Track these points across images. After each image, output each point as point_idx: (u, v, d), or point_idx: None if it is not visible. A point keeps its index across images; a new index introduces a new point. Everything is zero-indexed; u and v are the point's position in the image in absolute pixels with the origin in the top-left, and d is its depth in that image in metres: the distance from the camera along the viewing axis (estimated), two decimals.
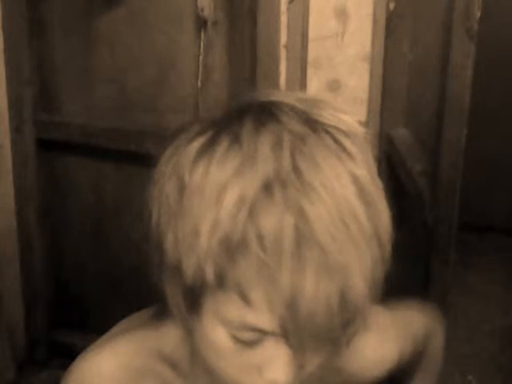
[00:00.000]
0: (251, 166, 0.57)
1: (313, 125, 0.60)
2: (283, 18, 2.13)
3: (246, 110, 0.62)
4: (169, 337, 0.75)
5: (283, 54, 2.16)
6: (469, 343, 2.61)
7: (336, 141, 0.60)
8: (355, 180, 0.59)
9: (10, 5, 2.11)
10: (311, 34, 2.15)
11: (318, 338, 0.59)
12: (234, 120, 0.61)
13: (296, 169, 0.57)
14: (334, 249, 0.56)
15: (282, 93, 0.65)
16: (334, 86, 2.19)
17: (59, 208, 2.37)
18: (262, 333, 0.60)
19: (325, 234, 0.56)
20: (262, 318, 0.58)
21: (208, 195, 0.58)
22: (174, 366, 0.74)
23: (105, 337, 0.77)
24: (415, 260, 1.77)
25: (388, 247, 0.61)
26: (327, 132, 0.60)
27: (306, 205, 0.56)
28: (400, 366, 0.88)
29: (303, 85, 2.19)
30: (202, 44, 1.99)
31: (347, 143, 0.60)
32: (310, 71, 2.19)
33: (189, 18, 2.01)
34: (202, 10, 1.93)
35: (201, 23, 1.97)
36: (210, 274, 0.57)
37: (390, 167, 2.12)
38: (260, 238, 0.55)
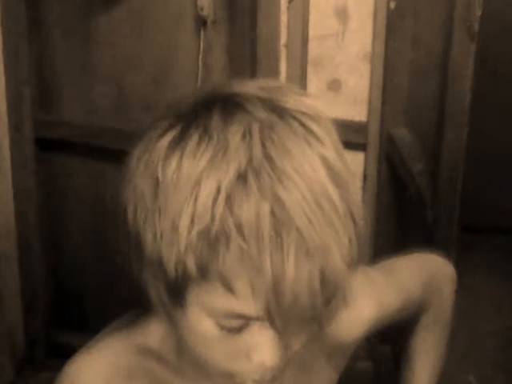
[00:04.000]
0: (223, 157, 0.58)
1: (279, 112, 0.62)
2: (283, 17, 2.12)
3: (212, 101, 0.63)
4: (154, 332, 0.76)
5: (283, 53, 2.15)
6: (469, 343, 2.60)
7: (303, 125, 0.62)
8: (325, 162, 0.61)
9: (8, 4, 2.11)
10: (311, 33, 2.15)
11: (301, 318, 0.61)
12: (202, 113, 0.62)
13: (267, 156, 0.58)
14: (312, 231, 0.58)
15: (244, 82, 0.66)
16: (335, 85, 2.18)
17: (58, 208, 2.37)
18: (248, 319, 0.61)
19: (301, 217, 0.58)
20: (247, 305, 0.59)
21: (183, 189, 0.58)
22: (161, 359, 0.76)
23: (94, 339, 0.78)
24: None
25: (361, 223, 0.63)
26: (293, 117, 0.62)
27: (281, 191, 0.58)
28: (389, 319, 0.89)
29: (303, 84, 2.18)
30: (201, 43, 1.98)
31: (314, 126, 0.62)
32: (310, 70, 2.18)
33: (188, 17, 2.01)
34: (202, 9, 1.93)
35: (200, 22, 1.96)
36: (192, 266, 0.58)
37: (391, 167, 2.12)
38: (239, 227, 0.57)
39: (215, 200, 0.57)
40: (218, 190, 0.57)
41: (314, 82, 2.20)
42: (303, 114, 0.62)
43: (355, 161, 2.22)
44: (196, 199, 0.58)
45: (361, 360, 2.17)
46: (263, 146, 0.59)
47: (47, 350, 2.43)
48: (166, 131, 0.62)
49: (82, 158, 2.28)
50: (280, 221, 0.57)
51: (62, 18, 2.17)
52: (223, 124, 0.60)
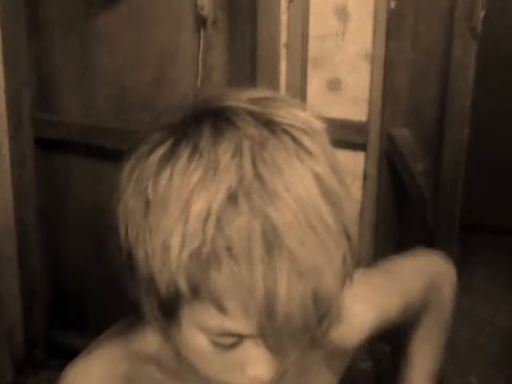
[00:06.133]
0: (213, 177, 0.57)
1: (270, 126, 0.61)
2: (283, 17, 2.12)
3: (203, 116, 0.62)
4: (153, 337, 0.76)
5: (283, 52, 2.15)
6: (470, 344, 2.60)
7: (295, 140, 0.60)
8: (317, 178, 0.60)
9: (7, 3, 2.10)
10: (311, 32, 2.14)
11: (295, 336, 0.61)
12: (192, 127, 0.61)
13: (258, 176, 0.57)
14: (304, 252, 0.57)
15: (236, 94, 0.65)
16: (335, 85, 2.18)
17: (58, 208, 2.36)
18: (241, 336, 0.61)
19: (293, 238, 0.57)
20: (239, 324, 0.59)
21: (174, 209, 0.58)
22: (160, 365, 0.76)
23: (91, 345, 0.78)
24: None
25: (356, 238, 0.62)
26: (285, 132, 0.61)
27: (272, 211, 0.57)
28: (390, 322, 0.89)
29: (303, 84, 2.18)
30: (201, 43, 1.98)
31: (306, 141, 0.61)
32: (310, 70, 2.18)
33: (188, 16, 2.00)
34: (202, 9, 1.93)
35: (200, 22, 1.96)
36: (183, 286, 0.58)
37: (391, 167, 2.11)
38: (229, 249, 0.56)
39: (205, 221, 0.56)
40: (209, 211, 0.56)
41: (314, 82, 2.19)
42: (295, 127, 0.61)
43: (355, 161, 2.22)
44: (186, 220, 0.57)
45: (361, 360, 2.17)
46: (254, 164, 0.58)
47: (47, 350, 2.43)
48: (156, 146, 0.61)
49: (82, 158, 2.28)
50: (271, 242, 0.56)
51: (62, 17, 2.16)
52: (213, 141, 0.59)
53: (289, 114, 0.62)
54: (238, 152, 0.58)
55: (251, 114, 0.61)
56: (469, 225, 2.47)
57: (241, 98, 0.64)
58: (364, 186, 2.22)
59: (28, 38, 2.16)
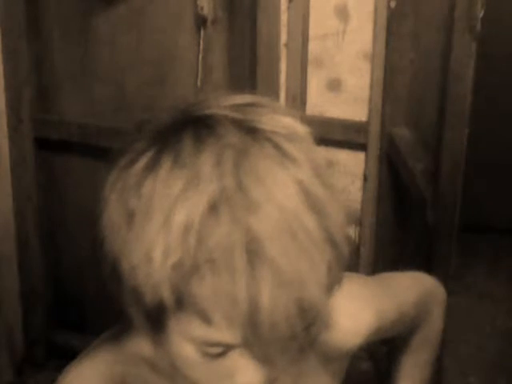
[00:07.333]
0: (195, 187, 0.57)
1: (253, 134, 0.60)
2: (283, 17, 2.12)
3: (184, 124, 0.61)
4: (147, 340, 0.74)
5: (283, 52, 2.15)
6: (470, 344, 2.60)
7: (277, 147, 0.60)
8: (301, 186, 0.59)
9: (8, 4, 2.10)
10: (311, 32, 2.15)
11: (281, 345, 0.60)
12: (174, 136, 0.60)
13: (240, 186, 0.57)
14: (287, 263, 0.56)
15: (218, 101, 0.64)
16: (335, 85, 2.18)
17: (57, 208, 2.36)
18: (228, 346, 0.61)
19: (275, 249, 0.56)
20: (225, 334, 0.59)
21: (156, 220, 0.57)
22: (154, 366, 0.75)
23: (86, 350, 0.78)
24: (416, 260, 1.76)
25: (344, 244, 0.61)
26: (268, 139, 0.60)
27: (254, 222, 0.56)
28: (385, 332, 0.89)
29: (303, 84, 2.18)
30: (201, 43, 1.98)
31: (289, 147, 0.60)
32: (310, 70, 2.18)
33: (188, 16, 2.00)
34: (202, 9, 1.93)
35: (200, 22, 1.96)
36: (168, 298, 0.58)
37: (391, 167, 2.11)
38: (211, 261, 0.56)
39: (187, 233, 0.56)
40: (190, 223, 0.56)
41: (314, 82, 2.19)
42: (278, 134, 0.60)
43: (355, 161, 2.22)
44: (168, 231, 0.57)
45: (361, 360, 2.17)
46: (235, 174, 0.57)
47: (47, 350, 2.43)
48: (138, 155, 0.61)
49: (82, 157, 2.28)
50: (253, 253, 0.56)
51: (62, 17, 2.16)
52: (195, 150, 0.58)
53: (272, 121, 0.62)
54: (219, 161, 0.57)
55: (233, 121, 0.61)
56: (469, 225, 2.47)
57: (223, 105, 0.63)
58: (364, 186, 2.22)
59: (28, 38, 2.16)
